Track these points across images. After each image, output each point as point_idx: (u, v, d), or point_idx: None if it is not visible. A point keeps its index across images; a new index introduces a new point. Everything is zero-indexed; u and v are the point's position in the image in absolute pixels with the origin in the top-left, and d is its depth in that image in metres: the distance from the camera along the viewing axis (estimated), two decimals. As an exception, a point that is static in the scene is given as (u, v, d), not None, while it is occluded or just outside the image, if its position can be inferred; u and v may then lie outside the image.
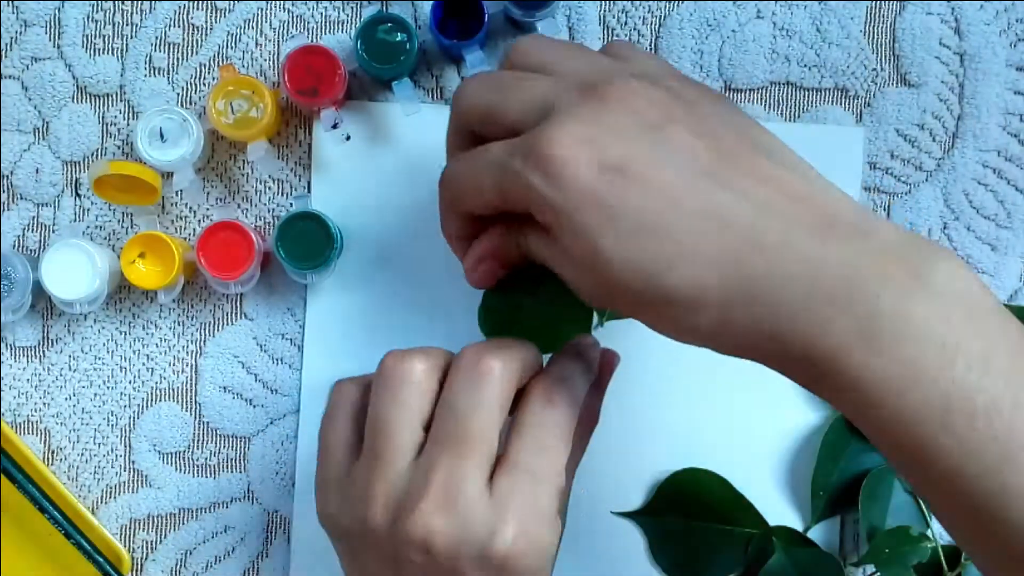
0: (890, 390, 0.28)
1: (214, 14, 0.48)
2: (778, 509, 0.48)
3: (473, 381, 0.33)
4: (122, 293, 0.48)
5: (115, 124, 0.48)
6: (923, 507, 0.47)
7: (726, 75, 0.48)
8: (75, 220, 0.48)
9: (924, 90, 0.48)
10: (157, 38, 0.48)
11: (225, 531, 0.49)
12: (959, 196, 0.48)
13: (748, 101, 0.48)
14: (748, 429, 0.48)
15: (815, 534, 0.48)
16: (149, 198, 0.46)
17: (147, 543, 0.49)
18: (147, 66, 0.48)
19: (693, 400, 0.48)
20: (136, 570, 0.49)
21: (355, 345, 0.48)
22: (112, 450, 0.49)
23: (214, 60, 0.48)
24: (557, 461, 0.35)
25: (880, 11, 0.48)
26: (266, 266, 0.48)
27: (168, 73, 0.48)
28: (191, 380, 0.49)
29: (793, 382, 0.32)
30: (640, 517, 0.48)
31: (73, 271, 0.45)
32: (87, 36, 0.48)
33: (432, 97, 0.48)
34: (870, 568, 0.48)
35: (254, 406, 0.49)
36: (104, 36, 0.48)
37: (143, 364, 0.49)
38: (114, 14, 0.48)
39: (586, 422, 0.39)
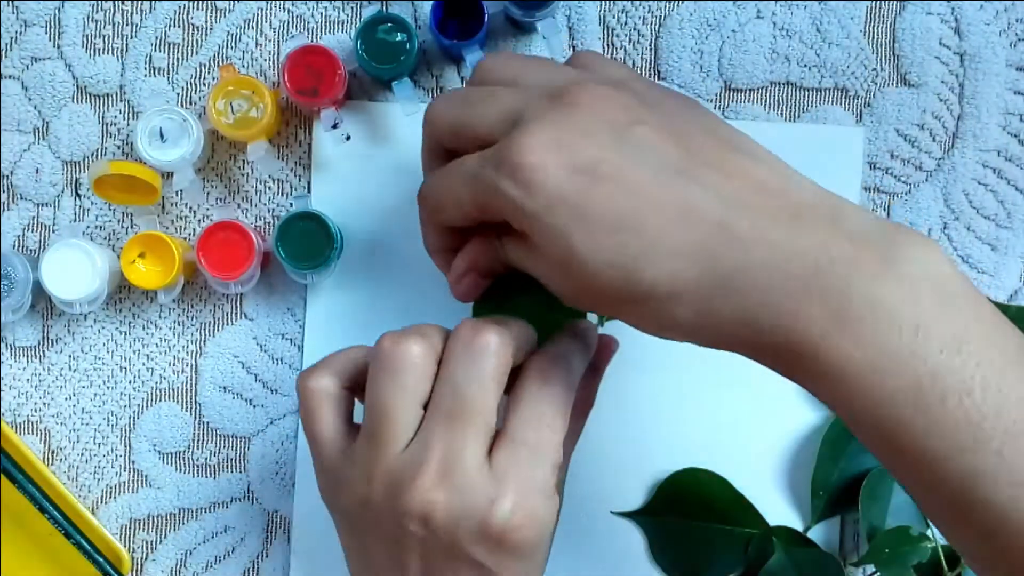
0: (863, 373, 0.29)
1: (214, 14, 0.48)
2: (778, 509, 0.48)
3: (470, 355, 0.34)
4: (122, 293, 0.49)
5: (115, 124, 0.48)
6: (923, 507, 0.47)
7: (726, 75, 0.48)
8: (75, 220, 0.48)
9: (924, 90, 0.48)
10: (157, 38, 0.48)
11: (225, 531, 0.49)
12: (959, 196, 0.48)
13: (748, 101, 0.48)
14: (748, 429, 0.48)
15: (815, 534, 0.48)
16: (149, 198, 0.46)
17: (147, 543, 0.49)
18: (147, 66, 0.48)
19: (693, 400, 0.48)
20: (136, 570, 0.49)
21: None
22: (112, 450, 0.49)
23: (214, 60, 0.48)
24: (554, 436, 0.35)
25: (880, 11, 0.48)
26: (266, 266, 0.48)
27: (168, 73, 0.48)
28: (191, 380, 0.49)
29: (793, 382, 0.32)
30: (640, 517, 0.48)
31: (73, 271, 0.45)
32: (87, 36, 0.48)
33: (432, 97, 0.48)
34: (870, 568, 0.48)
35: (254, 406, 0.49)
36: (104, 36, 0.48)
37: (143, 364, 0.49)
38: (114, 14, 0.48)
39: (582, 403, 0.40)
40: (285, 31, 0.48)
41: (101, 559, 0.47)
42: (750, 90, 0.48)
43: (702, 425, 0.48)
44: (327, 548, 0.48)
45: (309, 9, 0.48)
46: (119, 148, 0.48)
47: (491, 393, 0.34)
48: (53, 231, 0.48)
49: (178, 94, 0.48)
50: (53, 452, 0.49)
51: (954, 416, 0.28)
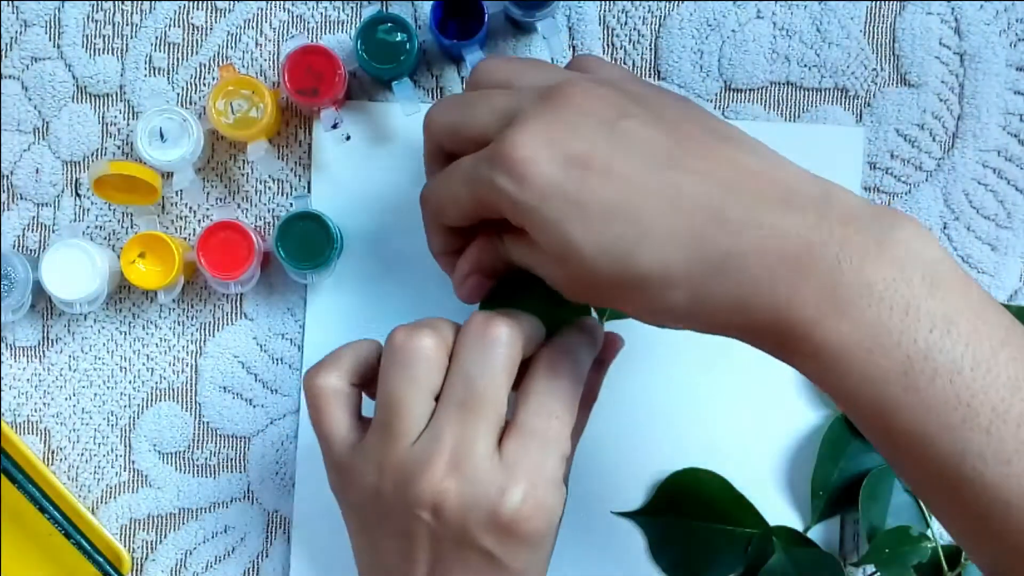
0: (855, 353, 0.29)
1: (214, 14, 0.48)
2: (778, 509, 0.48)
3: (482, 346, 0.34)
4: (122, 293, 0.49)
5: (115, 124, 0.48)
6: (923, 507, 0.47)
7: (726, 75, 0.48)
8: (75, 220, 0.48)
9: (924, 90, 0.48)
10: (157, 38, 0.48)
11: (225, 531, 0.49)
12: (959, 196, 0.48)
13: (748, 101, 0.48)
14: (748, 429, 0.48)
15: (815, 534, 0.48)
16: (149, 198, 0.46)
17: (147, 543, 0.49)
18: (147, 66, 0.48)
19: (693, 400, 0.48)
20: (136, 570, 0.49)
21: (355, 345, 0.48)
22: (112, 450, 0.49)
23: (214, 60, 0.48)
24: (563, 427, 0.35)
25: (880, 11, 0.48)
26: (266, 266, 0.48)
27: (168, 73, 0.48)
28: (191, 380, 0.49)
29: (790, 366, 0.32)
30: (640, 517, 0.48)
31: (73, 271, 0.45)
32: (87, 36, 0.48)
33: (432, 97, 0.48)
34: (870, 568, 0.48)
35: (254, 406, 0.49)
36: (104, 36, 0.48)
37: (143, 364, 0.49)
38: (114, 14, 0.48)
39: (587, 397, 0.40)
40: (285, 31, 0.48)
41: (101, 559, 0.47)
42: (750, 90, 0.48)
43: (702, 425, 0.48)
44: (327, 548, 0.48)
45: (309, 9, 0.48)
46: (119, 148, 0.48)
47: (502, 384, 0.34)
48: (53, 231, 0.48)
49: (178, 94, 0.48)
50: (53, 452, 0.49)
51: (944, 395, 0.29)
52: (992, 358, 0.29)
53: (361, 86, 0.48)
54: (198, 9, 0.48)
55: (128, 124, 0.48)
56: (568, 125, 0.32)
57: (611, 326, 0.44)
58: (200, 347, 0.48)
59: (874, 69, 0.48)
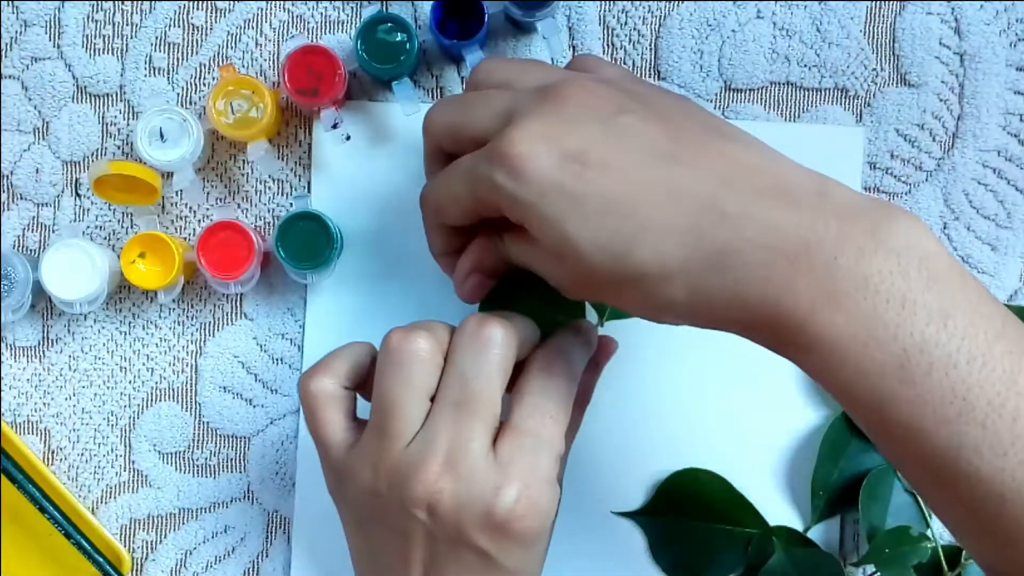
0: (851, 346, 0.29)
1: (214, 14, 0.48)
2: (778, 509, 0.48)
3: (476, 347, 0.35)
4: (122, 293, 0.49)
5: (115, 124, 0.48)
6: (923, 507, 0.47)
7: (726, 75, 0.48)
8: (75, 220, 0.48)
9: (924, 90, 0.48)
10: (157, 38, 0.48)
11: (225, 531, 0.49)
12: (959, 196, 0.48)
13: (748, 101, 0.48)
14: (748, 429, 0.48)
15: (815, 534, 0.48)
16: (149, 198, 0.46)
17: (147, 543, 0.49)
18: (147, 66, 0.48)
19: (693, 400, 0.48)
20: (136, 570, 0.49)
21: (355, 345, 0.48)
22: (112, 450, 0.49)
23: (214, 60, 0.48)
24: (557, 427, 0.36)
25: (880, 11, 0.48)
26: (266, 266, 0.48)
27: (168, 73, 0.48)
28: (191, 380, 0.49)
29: (788, 360, 0.32)
30: (640, 517, 0.48)
31: (73, 271, 0.45)
32: (87, 36, 0.48)
33: (432, 97, 0.48)
34: (870, 568, 0.48)
35: (254, 406, 0.49)
36: (104, 36, 0.48)
37: (143, 364, 0.49)
38: (114, 14, 0.48)
39: (581, 398, 0.41)
40: (285, 31, 0.48)
41: (101, 559, 0.47)
42: (750, 90, 0.48)
43: (702, 425, 0.48)
44: (327, 548, 0.48)
45: (309, 9, 0.48)
46: (119, 148, 0.48)
47: (497, 384, 0.35)
48: (53, 231, 0.48)
49: (178, 94, 0.48)
50: (53, 452, 0.49)
51: (940, 388, 0.29)
52: (988, 352, 0.29)
53: (361, 86, 0.48)
54: (198, 9, 0.48)
55: (128, 124, 0.48)
56: (565, 122, 0.33)
57: (612, 326, 0.44)
58: (200, 347, 0.48)
59: (874, 69, 0.48)
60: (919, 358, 0.29)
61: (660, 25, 0.48)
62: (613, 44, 0.48)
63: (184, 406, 0.49)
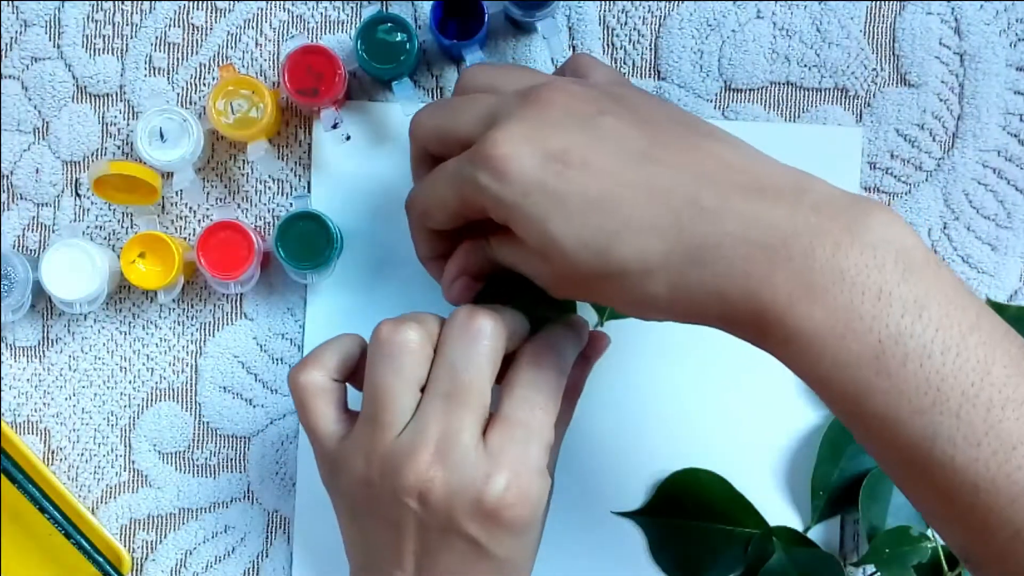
0: (827, 338, 0.30)
1: (214, 14, 0.48)
2: (778, 509, 0.48)
3: (466, 338, 0.35)
4: (122, 293, 0.48)
5: (115, 124, 0.48)
6: (923, 507, 0.47)
7: (726, 75, 0.48)
8: (75, 220, 0.48)
9: (924, 90, 0.48)
10: (157, 38, 0.48)
11: (225, 531, 0.49)
12: (959, 196, 0.48)
13: (748, 101, 0.48)
14: (748, 429, 0.48)
15: (815, 534, 0.48)
16: (149, 198, 0.46)
17: (147, 543, 0.49)
18: (147, 66, 0.48)
19: (693, 400, 0.48)
20: (136, 570, 0.49)
21: (355, 345, 0.48)
22: (112, 450, 0.49)
23: (214, 60, 0.48)
24: (547, 417, 0.36)
25: (880, 11, 0.48)
26: (266, 266, 0.48)
27: (168, 73, 0.48)
28: (191, 380, 0.49)
29: (767, 352, 0.32)
30: (640, 517, 0.48)
31: (73, 271, 0.45)
32: (87, 36, 0.48)
33: (432, 97, 0.48)
34: (870, 568, 0.48)
35: (254, 406, 0.49)
36: (104, 36, 0.48)
37: (143, 364, 0.49)
38: (114, 14, 0.48)
39: (572, 390, 0.41)
40: (285, 31, 0.48)
41: (101, 559, 0.47)
42: (750, 90, 0.48)
43: (702, 425, 0.48)
44: (327, 548, 0.48)
45: (309, 9, 0.48)
46: (119, 148, 0.48)
47: (486, 374, 0.35)
48: (53, 231, 0.48)
49: (178, 94, 0.48)
50: (53, 452, 0.49)
51: (915, 378, 0.29)
52: (962, 342, 0.29)
53: (361, 86, 0.48)
54: (198, 9, 0.48)
55: (128, 124, 0.48)
56: (547, 123, 0.33)
57: (612, 326, 0.44)
58: (200, 347, 0.48)
59: (874, 69, 0.48)
60: (894, 349, 0.29)
61: (660, 25, 0.48)
62: (613, 44, 0.48)
63: (184, 406, 0.49)
